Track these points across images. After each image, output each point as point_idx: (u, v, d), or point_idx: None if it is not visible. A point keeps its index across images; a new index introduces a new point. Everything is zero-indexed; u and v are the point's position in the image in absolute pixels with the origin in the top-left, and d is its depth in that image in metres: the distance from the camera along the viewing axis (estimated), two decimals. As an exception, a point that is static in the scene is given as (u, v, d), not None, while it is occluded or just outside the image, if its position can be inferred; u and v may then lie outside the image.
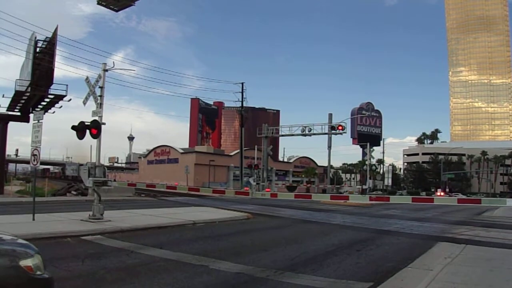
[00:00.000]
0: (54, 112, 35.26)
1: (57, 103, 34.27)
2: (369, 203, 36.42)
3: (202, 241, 12.31)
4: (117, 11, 26.37)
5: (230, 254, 10.04)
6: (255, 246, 11.84)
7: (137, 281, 7.28)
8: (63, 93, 32.41)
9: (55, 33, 31.39)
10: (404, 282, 7.47)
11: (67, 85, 32.31)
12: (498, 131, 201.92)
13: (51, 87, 32.40)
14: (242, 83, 55.98)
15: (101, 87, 16.48)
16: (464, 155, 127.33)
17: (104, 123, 16.02)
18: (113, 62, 17.77)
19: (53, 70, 31.43)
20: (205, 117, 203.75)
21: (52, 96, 33.24)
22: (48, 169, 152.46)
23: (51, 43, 32.03)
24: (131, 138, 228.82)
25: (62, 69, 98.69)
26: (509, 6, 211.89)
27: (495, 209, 29.93)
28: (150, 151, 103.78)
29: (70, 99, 33.21)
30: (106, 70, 16.94)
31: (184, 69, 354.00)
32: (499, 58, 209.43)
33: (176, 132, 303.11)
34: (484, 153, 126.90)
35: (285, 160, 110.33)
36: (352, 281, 7.68)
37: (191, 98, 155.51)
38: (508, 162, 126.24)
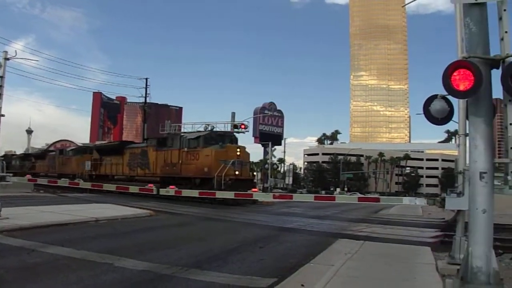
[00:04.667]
0: None
1: None
2: (272, 201, 37.22)
3: (105, 238, 12.24)
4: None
5: (135, 251, 10.09)
6: (160, 243, 11.93)
7: (39, 280, 7.20)
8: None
9: None
10: (307, 277, 7.79)
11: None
12: (395, 134, 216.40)
13: None
14: (146, 79, 55.25)
15: (2, 77, 15.72)
16: (362, 156, 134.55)
17: (3, 115, 15.34)
18: (15, 50, 16.93)
19: None
20: (107, 112, 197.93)
21: None
22: None
23: None
24: (29, 132, 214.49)
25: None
26: (408, 17, 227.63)
27: (391, 207, 31.45)
28: (49, 145, 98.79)
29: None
30: (8, 59, 16.18)
31: (88, 62, 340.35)
32: (397, 65, 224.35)
33: (77, 126, 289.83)
34: (381, 154, 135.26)
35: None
36: (257, 277, 7.96)
37: (94, 92, 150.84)
38: (403, 163, 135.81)
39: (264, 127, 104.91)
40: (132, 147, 36.99)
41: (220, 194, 19.79)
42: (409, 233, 15.02)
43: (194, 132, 32.89)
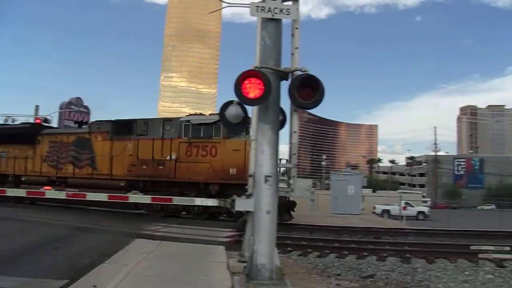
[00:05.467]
0: None
1: None
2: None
3: None
4: None
5: None
6: None
7: None
8: None
9: None
10: (100, 278, 7.57)
11: None
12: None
13: None
14: None
15: None
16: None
17: None
18: None
19: None
20: None
21: None
22: None
23: None
24: None
25: None
26: (223, 24, 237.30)
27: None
28: None
29: None
30: None
31: None
32: (208, 70, 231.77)
33: None
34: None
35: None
36: (49, 279, 7.50)
37: None
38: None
39: (69, 123, 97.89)
40: (56, 134, 23.65)
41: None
42: (207, 233, 15.31)
43: (197, 115, 21.56)
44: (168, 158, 18.86)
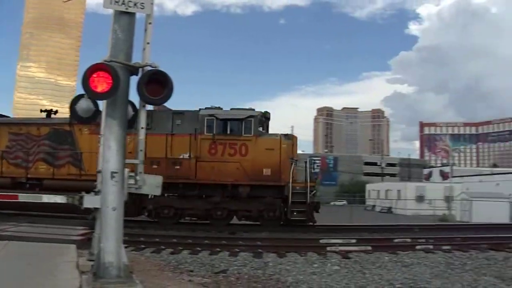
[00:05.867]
0: None
1: None
2: None
3: None
4: None
5: None
6: None
7: None
8: None
9: None
10: None
11: None
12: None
13: None
14: None
15: None
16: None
17: None
18: None
19: None
20: None
21: None
22: None
23: None
24: None
25: None
26: (86, 14, 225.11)
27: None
28: None
29: None
30: None
31: None
32: (68, 61, 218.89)
33: None
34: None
35: None
36: None
37: None
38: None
39: None
40: (19, 124, 19.07)
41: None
42: (60, 231, 14.69)
43: (216, 108, 18.03)
44: (186, 156, 16.79)
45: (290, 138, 17.50)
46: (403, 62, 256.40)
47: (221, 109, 17.56)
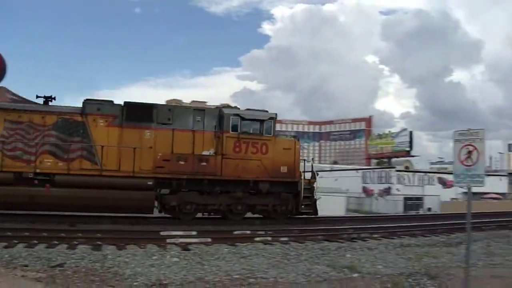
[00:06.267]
0: None
1: None
2: None
3: None
4: None
5: None
6: None
7: None
8: None
9: None
10: None
11: None
12: None
13: None
14: None
15: None
16: None
17: None
18: None
19: None
20: None
21: None
22: None
23: None
24: None
25: None
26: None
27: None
28: None
29: None
30: None
31: None
32: None
33: None
34: None
35: None
36: None
37: None
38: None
39: None
40: (19, 110, 15.82)
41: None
42: None
43: (234, 108, 19.74)
44: (212, 153, 17.01)
45: (299, 140, 19.29)
46: (254, 60, 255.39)
47: (239, 109, 18.80)
